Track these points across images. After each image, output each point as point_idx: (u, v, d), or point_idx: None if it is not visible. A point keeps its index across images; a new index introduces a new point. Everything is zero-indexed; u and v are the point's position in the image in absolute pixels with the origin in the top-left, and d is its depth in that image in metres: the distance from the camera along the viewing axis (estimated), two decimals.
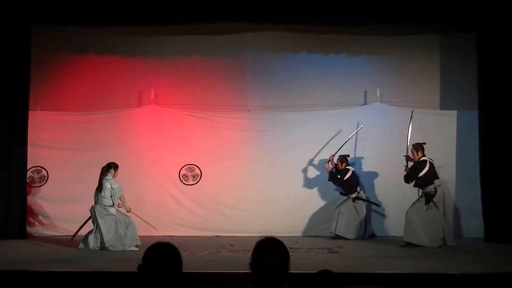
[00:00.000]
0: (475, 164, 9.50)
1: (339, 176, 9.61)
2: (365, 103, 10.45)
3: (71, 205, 10.05)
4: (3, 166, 9.38)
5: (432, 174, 8.82)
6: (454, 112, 10.17)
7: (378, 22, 9.99)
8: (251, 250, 2.71)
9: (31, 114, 9.79)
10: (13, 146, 9.49)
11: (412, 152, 8.93)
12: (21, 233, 9.45)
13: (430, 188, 8.76)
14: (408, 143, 9.06)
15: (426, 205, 8.68)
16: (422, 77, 10.42)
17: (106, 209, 8.50)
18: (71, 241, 8.74)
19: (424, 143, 8.92)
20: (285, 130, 10.31)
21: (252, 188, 10.27)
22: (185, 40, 10.53)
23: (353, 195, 9.58)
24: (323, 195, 10.17)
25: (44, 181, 10.21)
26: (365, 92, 10.45)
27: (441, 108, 10.41)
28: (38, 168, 10.21)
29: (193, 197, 10.22)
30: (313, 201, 10.13)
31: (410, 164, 8.96)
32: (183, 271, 2.59)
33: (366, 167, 10.13)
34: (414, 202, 8.86)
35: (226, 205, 10.23)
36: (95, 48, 10.54)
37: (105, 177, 8.55)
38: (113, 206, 8.53)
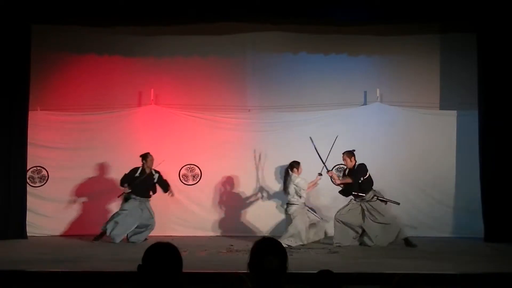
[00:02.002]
0: (475, 164, 9.50)
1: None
2: (365, 103, 10.45)
3: (71, 205, 10.08)
4: (3, 166, 9.38)
5: (371, 180, 8.88)
6: (454, 112, 10.17)
7: (378, 22, 10.00)
8: (250, 250, 2.71)
9: (31, 114, 9.78)
10: (13, 146, 9.48)
11: (345, 159, 8.92)
12: (21, 233, 9.44)
13: (370, 195, 8.77)
14: (325, 162, 9.07)
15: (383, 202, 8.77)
16: (422, 77, 10.42)
17: (288, 207, 8.88)
18: None
19: (354, 150, 8.94)
20: (285, 130, 10.30)
21: (252, 188, 10.28)
22: (185, 40, 10.53)
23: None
24: (323, 195, 10.16)
25: (44, 181, 10.21)
26: (365, 92, 10.44)
27: (441, 108, 10.40)
28: (38, 168, 10.21)
29: (193, 197, 10.22)
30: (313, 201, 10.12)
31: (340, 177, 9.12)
32: (183, 271, 2.59)
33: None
34: (347, 209, 8.84)
35: (226, 205, 10.24)
36: (95, 48, 10.53)
37: (290, 177, 8.89)
38: (296, 204, 8.78)
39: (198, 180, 10.26)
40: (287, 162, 9.99)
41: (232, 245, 8.66)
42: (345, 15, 9.66)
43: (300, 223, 8.74)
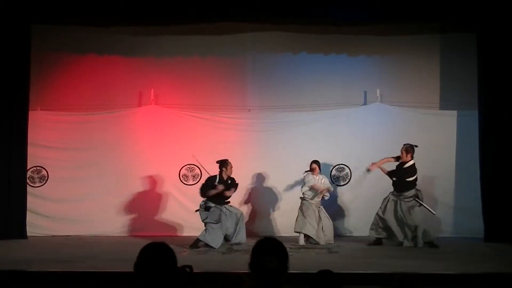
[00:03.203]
0: (475, 164, 9.50)
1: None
2: (365, 103, 10.45)
3: (71, 205, 10.08)
4: (3, 166, 9.38)
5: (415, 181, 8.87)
6: (454, 112, 10.17)
7: (378, 22, 10.00)
8: (251, 250, 2.71)
9: (31, 114, 9.79)
10: (13, 146, 9.49)
11: (403, 153, 8.87)
12: (21, 233, 9.45)
13: (409, 194, 8.76)
14: None
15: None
16: (422, 77, 10.42)
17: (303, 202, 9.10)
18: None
19: (416, 146, 8.88)
20: (285, 130, 10.30)
21: (252, 188, 10.29)
22: (185, 40, 10.53)
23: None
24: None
25: (44, 181, 10.21)
26: (365, 92, 10.44)
27: (441, 108, 10.40)
28: (38, 168, 10.20)
29: (193, 197, 10.20)
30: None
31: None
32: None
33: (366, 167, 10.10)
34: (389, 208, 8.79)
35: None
36: (95, 48, 10.52)
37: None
38: (308, 199, 9.02)
39: (198, 180, 10.24)
40: (286, 162, 10.02)
41: (232, 245, 8.66)
42: (345, 15, 9.65)
43: (310, 217, 8.93)
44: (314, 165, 9.13)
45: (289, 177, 10.13)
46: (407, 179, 8.79)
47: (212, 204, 8.77)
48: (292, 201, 10.00)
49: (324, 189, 9.06)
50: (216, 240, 8.53)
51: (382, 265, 6.95)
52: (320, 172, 9.21)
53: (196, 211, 8.87)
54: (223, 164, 8.95)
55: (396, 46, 10.49)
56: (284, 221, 9.99)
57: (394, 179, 8.89)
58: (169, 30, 10.32)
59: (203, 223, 8.68)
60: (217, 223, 8.64)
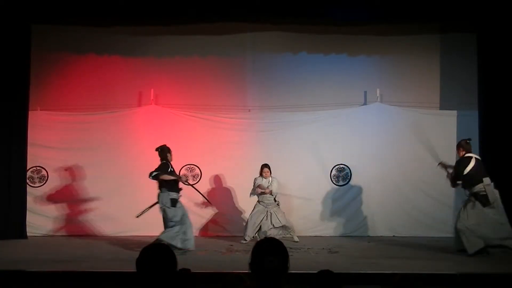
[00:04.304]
0: None
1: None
2: (365, 103, 10.45)
3: (71, 205, 10.08)
4: (3, 166, 9.39)
5: (479, 172, 8.08)
6: (454, 112, 10.18)
7: (378, 22, 10.00)
8: (251, 250, 2.71)
9: (31, 114, 9.80)
10: (13, 146, 9.50)
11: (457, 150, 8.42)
12: (21, 233, 9.45)
13: (479, 187, 7.97)
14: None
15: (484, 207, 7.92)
16: (422, 77, 10.43)
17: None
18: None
19: (470, 139, 8.37)
20: (285, 130, 10.31)
21: (251, 188, 10.28)
22: (185, 40, 10.53)
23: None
24: (322, 195, 10.17)
25: (44, 181, 10.21)
26: (365, 92, 10.45)
27: (441, 108, 10.41)
28: (38, 168, 10.21)
29: (193, 197, 10.21)
30: (313, 201, 10.12)
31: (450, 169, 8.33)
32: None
33: (366, 167, 10.11)
34: (463, 208, 8.04)
35: (226, 205, 10.23)
36: (95, 48, 10.53)
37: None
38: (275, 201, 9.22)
39: (198, 180, 10.26)
40: (286, 162, 10.02)
41: (232, 245, 8.67)
42: (345, 15, 9.66)
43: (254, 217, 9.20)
44: (265, 169, 9.25)
45: (289, 177, 10.13)
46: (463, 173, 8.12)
47: (176, 196, 8.11)
48: (292, 201, 10.03)
49: (267, 190, 9.14)
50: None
51: (382, 265, 6.95)
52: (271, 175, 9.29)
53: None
54: (168, 150, 8.30)
55: (396, 46, 10.50)
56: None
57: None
58: (169, 30, 10.33)
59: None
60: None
